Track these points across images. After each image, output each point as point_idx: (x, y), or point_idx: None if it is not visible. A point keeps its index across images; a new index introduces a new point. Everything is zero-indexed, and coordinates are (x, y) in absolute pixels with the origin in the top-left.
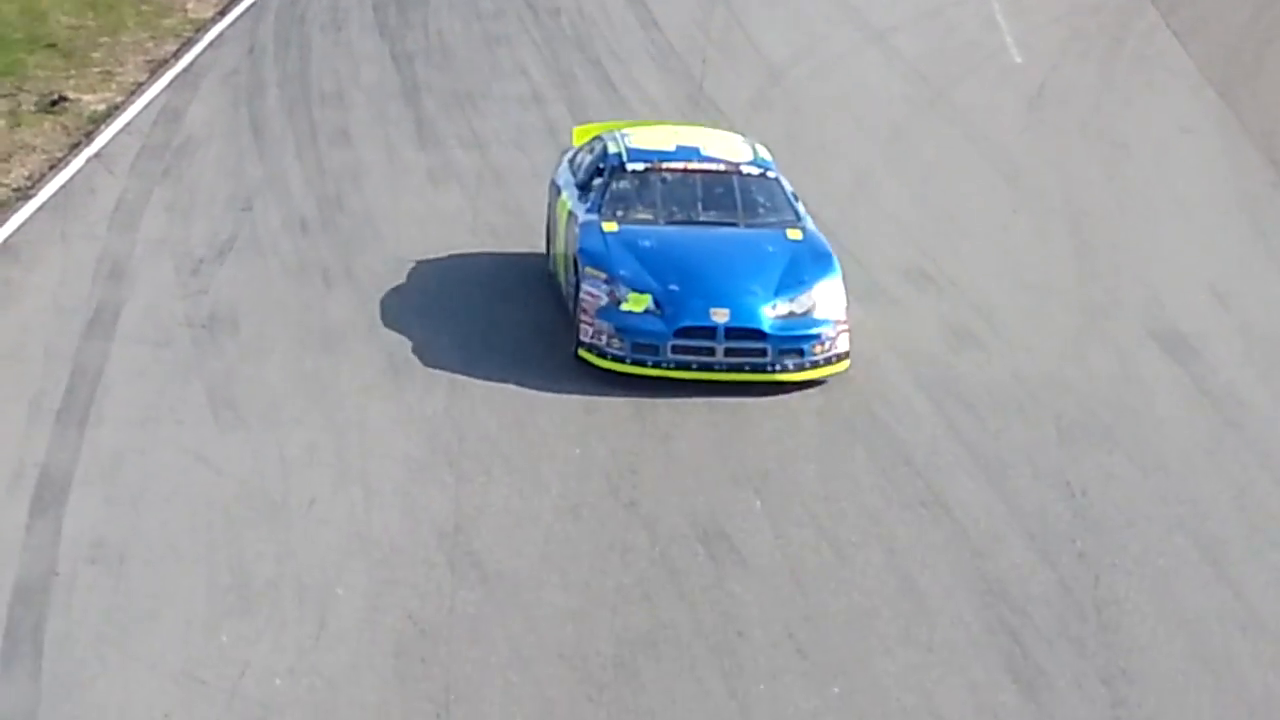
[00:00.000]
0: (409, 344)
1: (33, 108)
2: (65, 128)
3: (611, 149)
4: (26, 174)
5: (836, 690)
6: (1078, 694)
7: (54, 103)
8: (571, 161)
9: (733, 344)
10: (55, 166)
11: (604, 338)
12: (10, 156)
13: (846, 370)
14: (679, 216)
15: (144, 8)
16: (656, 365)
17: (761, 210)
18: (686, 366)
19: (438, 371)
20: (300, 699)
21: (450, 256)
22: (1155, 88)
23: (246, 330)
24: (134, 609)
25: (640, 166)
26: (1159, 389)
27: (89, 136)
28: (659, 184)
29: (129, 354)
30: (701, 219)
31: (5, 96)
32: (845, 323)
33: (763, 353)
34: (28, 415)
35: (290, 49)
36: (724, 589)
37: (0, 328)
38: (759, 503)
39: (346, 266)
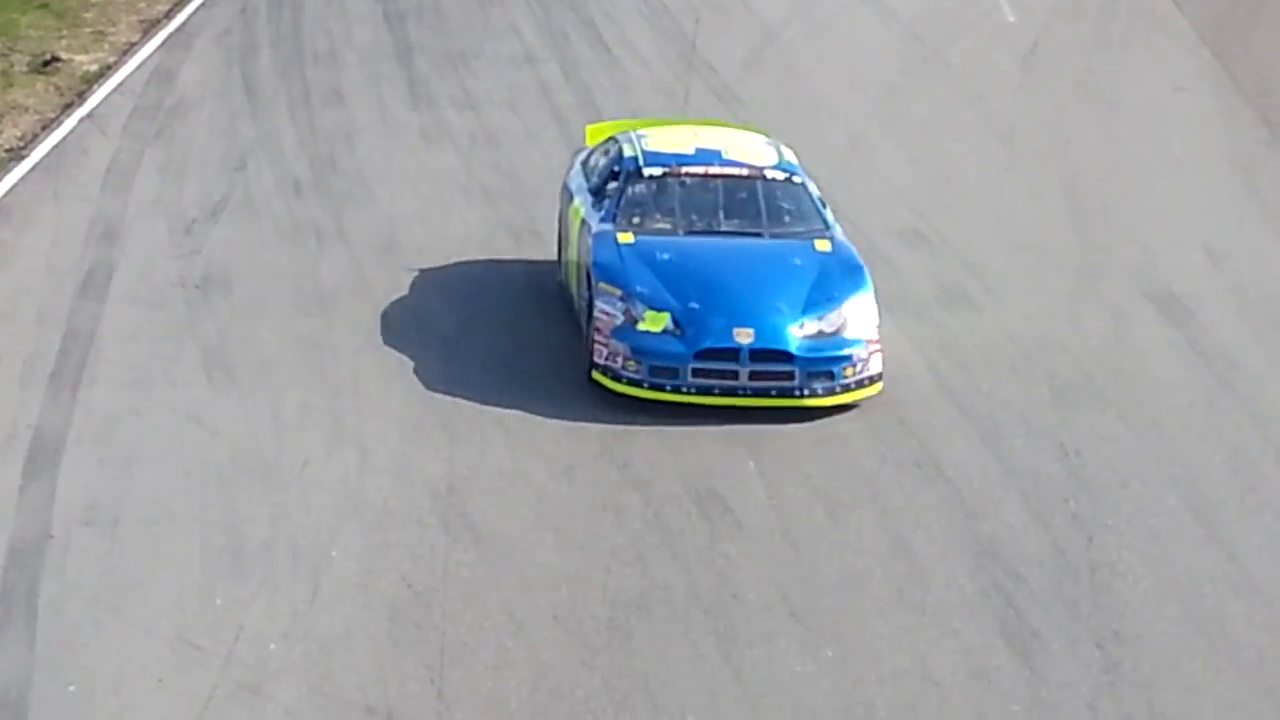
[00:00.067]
0: (402, 304)
1: (25, 68)
2: (58, 88)
3: (627, 152)
4: (19, 134)
5: (830, 653)
6: (1071, 657)
7: (46, 63)
8: (585, 164)
9: (758, 367)
10: (48, 127)
11: (619, 360)
12: (2, 117)
13: (879, 393)
14: (699, 226)
15: None
16: (676, 390)
17: (787, 218)
18: (708, 391)
19: (431, 332)
20: (294, 663)
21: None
22: (1149, 46)
23: (240, 291)
24: (128, 572)
25: (658, 171)
26: (1152, 349)
27: (81, 97)
28: (678, 190)
29: (122, 315)
30: (723, 228)
31: None
32: (877, 342)
33: (790, 376)
34: (21, 377)
35: (283, 8)
36: (718, 550)
37: None
38: (752, 464)
39: (339, 227)
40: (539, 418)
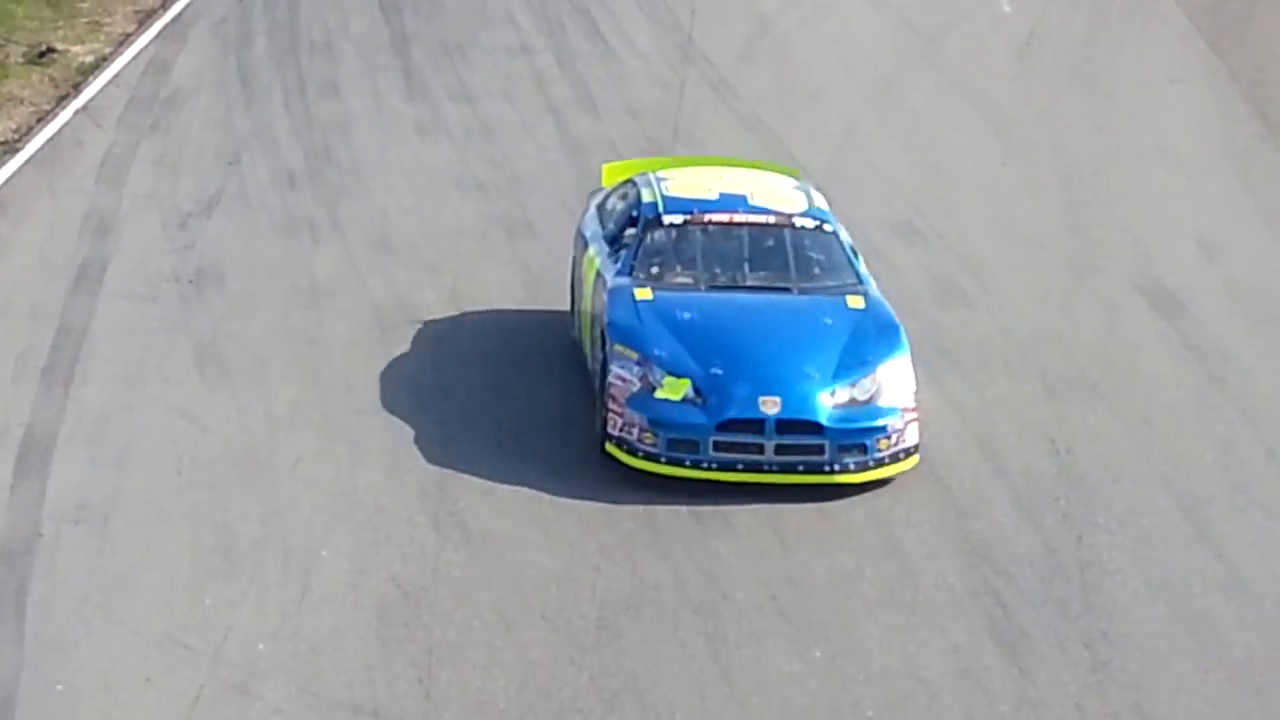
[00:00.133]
0: (395, 299)
1: (20, 59)
2: (53, 79)
3: (646, 197)
4: (14, 127)
5: (818, 653)
6: (1060, 657)
7: (42, 54)
8: (600, 208)
9: (785, 439)
10: (43, 119)
11: (635, 431)
12: None
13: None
14: (723, 280)
15: None
16: (696, 465)
17: (817, 271)
18: (731, 467)
19: (423, 327)
20: (283, 663)
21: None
22: (1144, 37)
23: (233, 286)
24: (118, 571)
25: (678, 219)
26: (1145, 344)
27: (77, 89)
28: (700, 239)
29: (115, 310)
30: (749, 282)
31: None
32: (914, 410)
33: (820, 450)
34: (13, 373)
35: None
36: (707, 549)
37: None
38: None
39: (334, 220)
40: (530, 414)
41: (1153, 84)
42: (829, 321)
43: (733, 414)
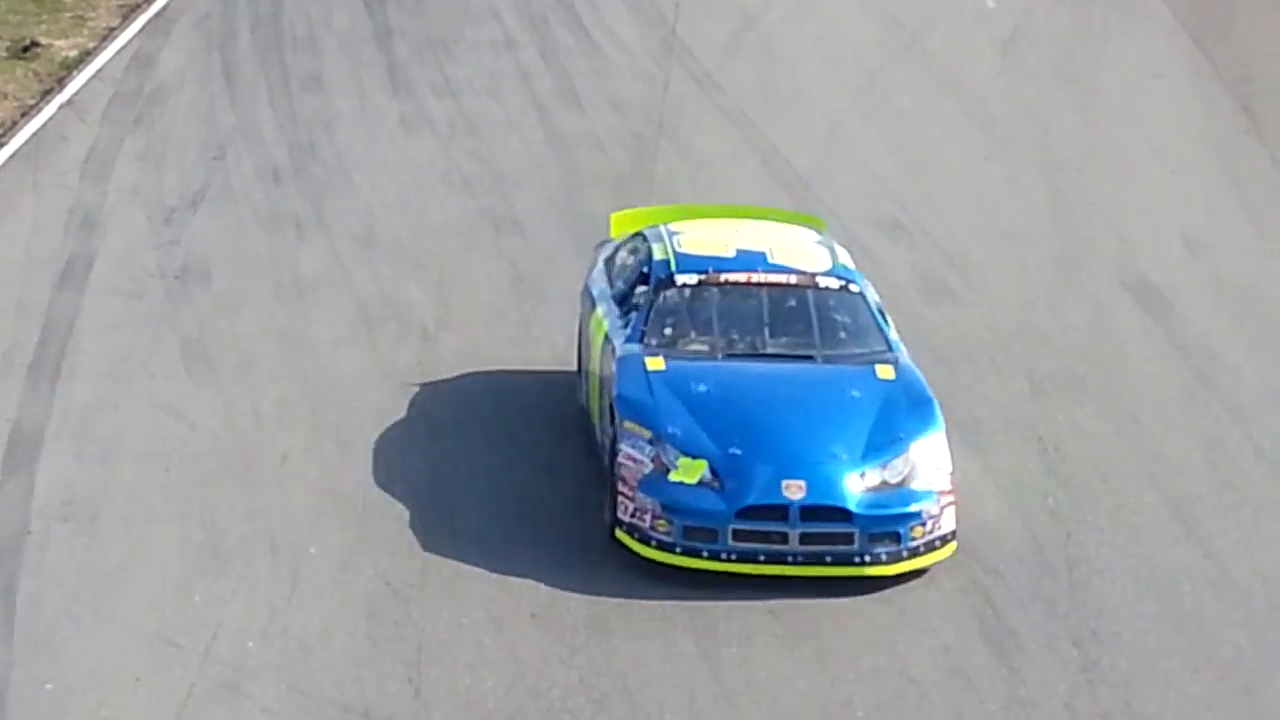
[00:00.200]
0: (381, 295)
1: (4, 54)
2: (37, 74)
3: (657, 254)
4: None
5: (808, 651)
6: (1049, 656)
7: (26, 48)
8: (609, 262)
9: (810, 528)
10: (27, 114)
11: (647, 518)
12: None
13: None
14: (741, 347)
15: None
16: (714, 557)
17: (843, 336)
18: (752, 558)
19: (410, 323)
20: (272, 661)
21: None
22: (1129, 32)
23: (219, 281)
24: (106, 569)
25: (693, 279)
26: (1131, 341)
27: (61, 83)
28: (716, 301)
29: (101, 306)
30: (769, 350)
31: None
32: (950, 493)
33: (849, 539)
34: (0, 369)
35: None
36: None
37: None
38: None
39: (319, 216)
40: (519, 411)
41: (1137, 79)
42: (857, 394)
43: (753, 500)
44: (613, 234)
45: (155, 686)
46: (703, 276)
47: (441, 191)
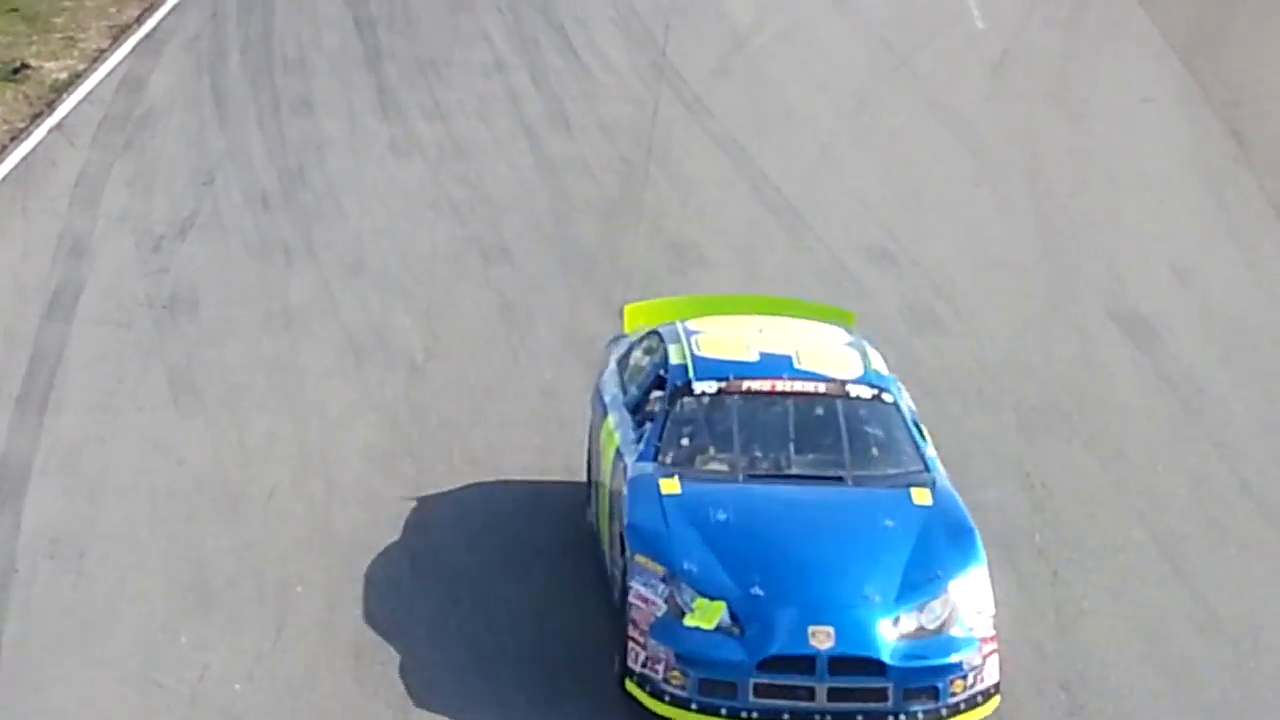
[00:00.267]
0: (370, 324)
1: None
2: (27, 97)
3: (674, 357)
4: None
5: None
6: (1037, 699)
7: (15, 70)
8: (621, 363)
9: (840, 682)
10: (16, 138)
11: (660, 668)
12: None
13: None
14: (764, 466)
15: None
16: (733, 714)
17: (876, 453)
18: (775, 715)
19: (398, 353)
20: (259, 704)
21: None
22: (1119, 55)
23: (207, 311)
24: (93, 608)
25: (712, 387)
26: (1119, 374)
27: (51, 106)
28: (737, 413)
29: (89, 336)
30: (794, 469)
31: None
32: (993, 639)
33: (882, 695)
34: None
35: (253, 13)
36: None
37: None
38: None
39: (308, 243)
40: (506, 445)
41: (1127, 103)
42: (890, 524)
43: (777, 649)
44: (626, 328)
45: None
46: (723, 384)
47: (430, 218)
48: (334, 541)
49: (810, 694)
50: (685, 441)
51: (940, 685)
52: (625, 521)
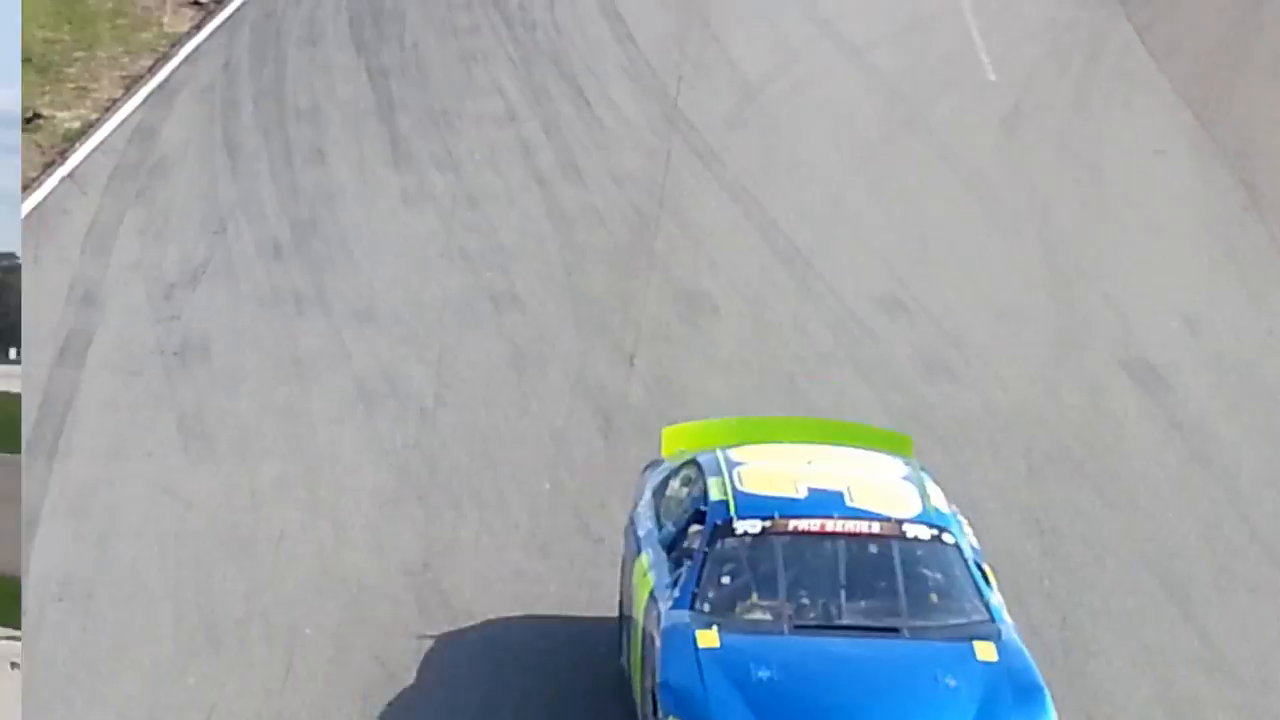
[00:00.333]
0: (381, 372)
1: None
2: (39, 146)
3: (715, 493)
4: None
5: None
6: None
7: (28, 120)
8: (658, 494)
9: None
10: (29, 186)
11: None
12: None
13: None
14: (812, 616)
15: (119, 21)
16: None
17: (935, 601)
18: None
19: (409, 400)
20: None
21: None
22: (1129, 106)
23: (218, 358)
24: (102, 650)
25: (755, 527)
26: (1129, 422)
27: (63, 155)
28: (783, 556)
29: (100, 383)
30: (845, 620)
31: None
32: None
33: None
34: None
35: (265, 63)
36: None
37: None
38: None
39: (319, 292)
40: (515, 489)
41: (1137, 154)
42: (951, 683)
43: None
44: (664, 452)
45: None
46: (767, 523)
47: (442, 267)
48: (342, 585)
49: None
50: (725, 586)
51: None
52: (658, 679)
